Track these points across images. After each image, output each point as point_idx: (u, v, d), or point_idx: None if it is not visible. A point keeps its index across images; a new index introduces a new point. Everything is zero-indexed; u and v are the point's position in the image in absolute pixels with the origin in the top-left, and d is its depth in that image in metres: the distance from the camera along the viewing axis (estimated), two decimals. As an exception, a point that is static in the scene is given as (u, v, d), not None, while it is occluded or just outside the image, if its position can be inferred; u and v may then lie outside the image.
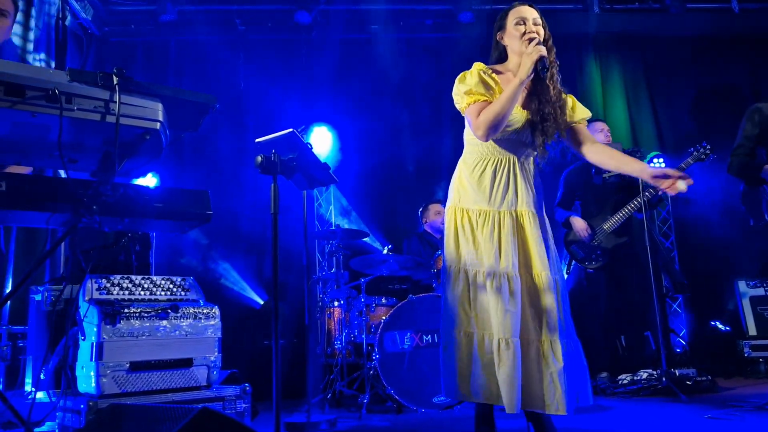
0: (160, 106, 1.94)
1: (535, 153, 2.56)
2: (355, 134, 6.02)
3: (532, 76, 2.38)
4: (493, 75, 2.50)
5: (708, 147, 4.25)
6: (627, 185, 4.55)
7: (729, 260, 5.58)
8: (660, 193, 4.43)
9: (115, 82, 1.83)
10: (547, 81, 2.47)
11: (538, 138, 2.48)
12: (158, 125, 1.93)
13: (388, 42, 6.24)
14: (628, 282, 4.57)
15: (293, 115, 5.77)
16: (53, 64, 4.90)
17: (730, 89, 6.24)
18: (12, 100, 1.69)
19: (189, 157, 5.77)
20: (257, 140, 2.41)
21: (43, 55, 4.77)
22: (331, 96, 5.99)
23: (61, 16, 5.16)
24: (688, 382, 4.04)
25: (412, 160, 6.05)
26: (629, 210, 4.43)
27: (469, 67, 2.58)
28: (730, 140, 3.95)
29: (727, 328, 5.59)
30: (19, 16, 4.45)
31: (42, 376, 2.43)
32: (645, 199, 4.32)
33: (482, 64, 2.53)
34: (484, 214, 2.45)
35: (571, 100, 2.61)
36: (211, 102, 2.08)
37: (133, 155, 1.98)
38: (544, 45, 2.42)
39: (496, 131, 2.38)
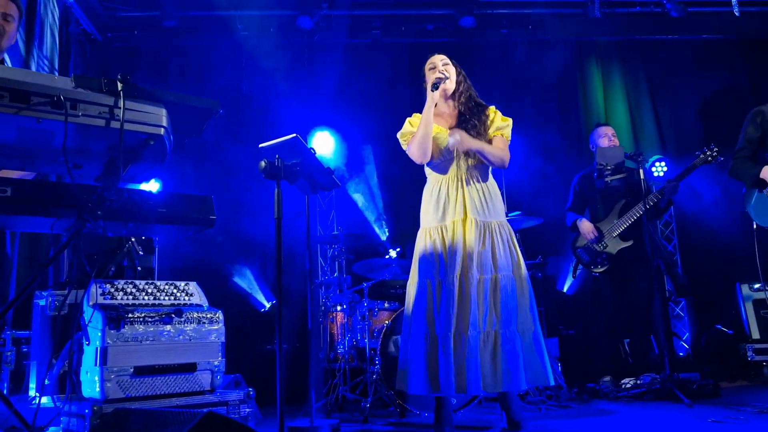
0: (163, 111, 1.95)
1: (480, 165, 2.99)
2: (358, 138, 6.03)
3: (446, 93, 3.02)
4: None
5: (715, 149, 4.24)
6: (631, 188, 4.55)
7: (732, 263, 5.56)
8: (667, 196, 4.42)
9: (119, 88, 1.84)
10: (457, 102, 3.06)
11: (462, 154, 2.93)
12: (162, 131, 1.94)
13: (390, 47, 6.27)
14: (633, 286, 4.55)
15: (296, 120, 5.78)
16: (57, 70, 4.92)
17: (732, 92, 6.24)
18: (17, 106, 1.70)
19: (192, 162, 5.78)
20: (261, 145, 2.42)
21: (46, 61, 4.78)
22: (333, 100, 6.00)
23: (64, 22, 5.19)
24: (691, 386, 4.03)
25: (415, 164, 6.06)
26: (635, 214, 4.42)
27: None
28: (732, 143, 3.95)
29: (730, 332, 5.58)
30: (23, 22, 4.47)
31: (47, 381, 2.44)
32: (652, 202, 4.30)
33: (417, 113, 3.06)
34: (441, 229, 2.90)
35: (492, 112, 3.09)
36: (214, 107, 2.09)
37: (137, 160, 1.99)
38: (456, 76, 3.05)
39: (425, 153, 2.92)
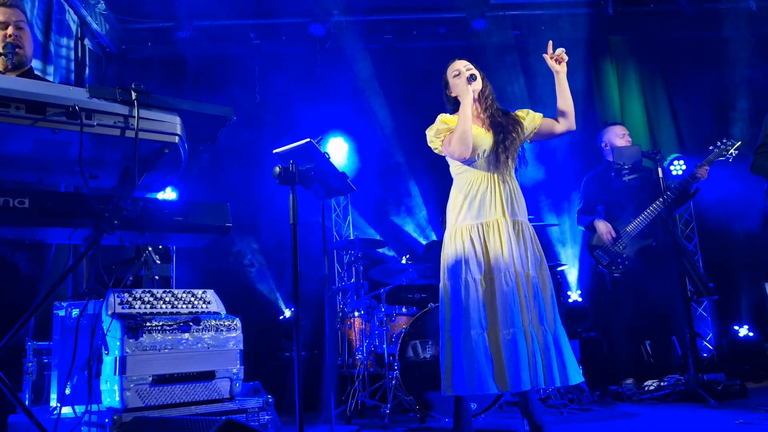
0: (178, 119, 1.95)
1: (513, 166, 3.02)
2: (372, 143, 6.03)
3: (474, 95, 2.98)
4: (453, 117, 3.03)
5: (728, 142, 4.15)
6: (650, 185, 4.48)
7: (755, 262, 5.47)
8: (692, 189, 4.33)
9: (133, 97, 1.84)
10: (484, 104, 3.04)
11: (501, 155, 2.94)
12: (177, 139, 1.93)
13: (402, 51, 6.26)
14: (654, 286, 4.48)
15: (309, 126, 5.81)
16: (72, 79, 4.98)
17: (751, 88, 6.14)
18: (33, 118, 1.71)
19: (207, 170, 5.82)
20: (275, 151, 2.42)
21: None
22: (346, 106, 6.02)
23: (80, 35, 5.26)
24: (717, 387, 3.96)
25: (429, 167, 6.04)
26: (653, 211, 4.34)
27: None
28: (752, 140, 3.89)
29: (754, 332, 5.48)
30: (39, 35, 4.52)
31: (68, 391, 2.45)
32: (671, 196, 4.21)
33: (445, 114, 3.08)
34: (477, 227, 2.89)
35: (519, 114, 3.11)
36: (229, 114, 2.08)
37: (152, 169, 1.98)
38: (479, 77, 3.03)
39: (468, 147, 2.88)
